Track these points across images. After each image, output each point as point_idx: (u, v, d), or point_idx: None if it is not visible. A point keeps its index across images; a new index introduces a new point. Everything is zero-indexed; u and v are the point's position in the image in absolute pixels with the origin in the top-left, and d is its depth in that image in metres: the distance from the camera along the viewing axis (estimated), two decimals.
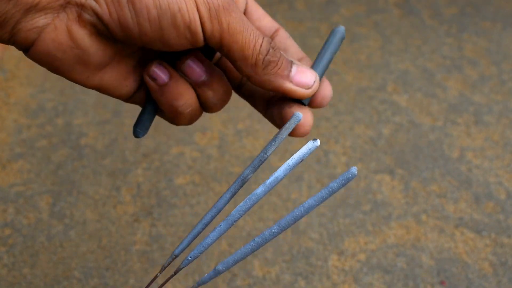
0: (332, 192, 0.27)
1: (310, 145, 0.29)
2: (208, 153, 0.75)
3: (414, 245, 0.64)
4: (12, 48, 0.95)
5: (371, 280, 0.60)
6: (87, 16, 0.24)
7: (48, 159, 0.73)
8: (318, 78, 0.29)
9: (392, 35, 1.04)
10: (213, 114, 0.82)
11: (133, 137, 0.78)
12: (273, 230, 0.28)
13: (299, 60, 0.31)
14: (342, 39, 0.30)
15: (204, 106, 0.30)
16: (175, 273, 0.28)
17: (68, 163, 0.73)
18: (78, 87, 0.87)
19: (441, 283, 0.60)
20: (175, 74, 0.28)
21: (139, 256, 0.61)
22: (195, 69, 0.28)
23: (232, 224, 0.28)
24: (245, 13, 0.31)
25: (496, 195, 0.70)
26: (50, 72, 0.90)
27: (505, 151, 0.77)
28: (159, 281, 0.55)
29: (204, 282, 0.28)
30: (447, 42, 1.02)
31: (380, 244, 0.64)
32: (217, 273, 0.28)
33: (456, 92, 0.89)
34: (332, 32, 0.31)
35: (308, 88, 0.28)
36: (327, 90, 0.30)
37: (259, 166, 0.29)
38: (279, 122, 0.31)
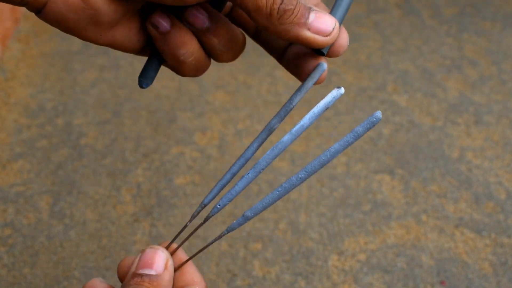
0: (357, 137, 0.27)
1: (334, 93, 0.28)
2: (208, 153, 0.75)
3: (414, 245, 0.64)
4: (12, 48, 0.95)
5: (371, 280, 0.60)
6: None
7: (48, 159, 0.73)
8: (337, 23, 0.28)
9: (392, 35, 1.04)
10: (213, 114, 0.82)
11: (133, 137, 0.78)
12: (300, 176, 0.27)
13: (315, 5, 0.29)
14: None
15: (212, 54, 0.30)
16: (205, 221, 0.28)
17: (68, 163, 0.73)
18: (78, 87, 0.87)
19: (441, 283, 0.60)
20: (177, 22, 0.28)
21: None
22: (198, 16, 0.28)
23: (260, 172, 0.27)
24: None
25: (496, 195, 0.70)
26: (50, 72, 0.91)
27: (505, 151, 0.77)
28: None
29: (233, 229, 0.28)
30: (447, 42, 1.02)
31: (380, 244, 0.64)
32: (245, 219, 0.27)
33: (456, 92, 0.89)
34: None
35: (327, 35, 0.27)
36: (343, 38, 0.29)
37: (285, 116, 0.28)
38: (296, 70, 0.30)
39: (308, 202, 0.69)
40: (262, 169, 0.28)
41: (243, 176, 0.28)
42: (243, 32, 0.31)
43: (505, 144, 0.79)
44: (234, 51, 0.30)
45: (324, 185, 0.71)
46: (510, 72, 0.94)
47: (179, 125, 0.80)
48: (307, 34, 0.27)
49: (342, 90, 0.28)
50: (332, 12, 0.29)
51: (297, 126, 0.28)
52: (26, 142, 0.76)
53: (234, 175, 0.28)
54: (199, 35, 0.29)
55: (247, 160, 0.28)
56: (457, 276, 0.61)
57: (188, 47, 0.28)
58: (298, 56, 0.30)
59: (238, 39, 0.30)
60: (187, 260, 0.28)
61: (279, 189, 0.27)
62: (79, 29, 0.26)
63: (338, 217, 0.67)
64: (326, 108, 0.28)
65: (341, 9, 0.29)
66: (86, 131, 0.78)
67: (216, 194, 0.29)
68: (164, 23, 0.27)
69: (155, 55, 0.30)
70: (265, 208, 0.27)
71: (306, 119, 0.28)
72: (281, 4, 0.26)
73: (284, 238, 0.64)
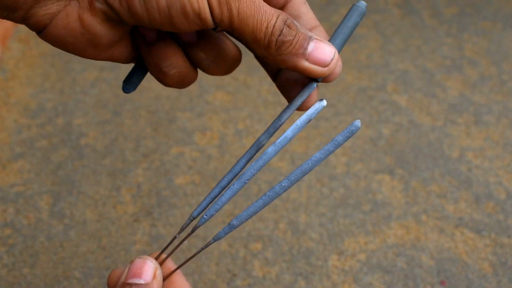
0: (337, 145, 0.27)
1: (317, 105, 0.28)
2: (208, 153, 0.75)
3: (414, 245, 0.64)
4: (12, 48, 0.95)
5: (371, 280, 0.60)
6: (98, 4, 0.25)
7: (48, 159, 0.73)
8: (337, 53, 0.27)
9: (392, 35, 1.04)
10: (213, 114, 0.82)
11: (133, 137, 0.78)
12: (283, 184, 0.28)
13: (312, 29, 0.29)
14: (363, 14, 0.29)
15: (200, 68, 0.30)
16: (192, 231, 0.29)
17: (68, 163, 0.73)
18: (78, 87, 0.87)
19: (441, 283, 0.60)
20: (164, 34, 0.28)
21: (139, 256, 0.61)
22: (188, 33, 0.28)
23: (245, 183, 0.28)
24: None
25: (496, 195, 0.70)
26: (50, 72, 0.91)
27: (505, 151, 0.77)
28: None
29: (219, 238, 0.29)
30: (447, 42, 1.02)
31: (380, 244, 0.64)
32: (231, 227, 0.28)
33: (456, 92, 0.89)
34: (352, 7, 0.29)
35: (326, 66, 0.27)
36: (338, 66, 0.29)
37: (274, 133, 0.29)
38: (286, 94, 0.30)
39: (308, 202, 0.69)
40: (247, 180, 0.28)
41: (228, 187, 0.28)
42: (237, 47, 0.30)
43: (505, 144, 0.79)
44: (223, 67, 0.30)
45: (324, 185, 0.71)
46: (510, 72, 0.94)
47: (179, 125, 0.80)
48: (305, 64, 0.27)
49: (324, 102, 0.28)
50: (332, 39, 0.29)
51: (281, 138, 0.28)
52: (26, 142, 0.76)
53: (223, 188, 0.29)
54: (186, 48, 0.29)
55: (235, 175, 0.29)
56: (457, 276, 0.61)
57: (172, 59, 0.28)
58: (289, 81, 0.30)
59: (228, 55, 0.29)
60: (175, 270, 0.29)
61: (263, 197, 0.28)
62: (78, 50, 0.26)
63: (338, 217, 0.67)
64: (309, 120, 0.28)
65: (341, 37, 0.29)
66: (86, 131, 0.78)
67: (205, 207, 0.29)
68: (151, 33, 0.27)
69: (141, 64, 0.30)
70: (250, 216, 0.28)
71: (289, 131, 0.28)
72: (279, 35, 0.25)
73: (284, 238, 0.64)
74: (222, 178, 0.29)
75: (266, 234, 0.65)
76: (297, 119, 0.29)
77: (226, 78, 0.89)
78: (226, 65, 0.30)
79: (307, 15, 0.30)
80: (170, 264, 0.30)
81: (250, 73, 0.91)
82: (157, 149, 0.76)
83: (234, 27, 0.25)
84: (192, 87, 0.88)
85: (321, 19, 1.07)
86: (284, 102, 0.85)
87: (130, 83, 0.31)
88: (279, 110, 0.84)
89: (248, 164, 0.29)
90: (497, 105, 0.86)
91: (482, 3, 1.14)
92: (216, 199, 0.29)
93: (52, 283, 0.58)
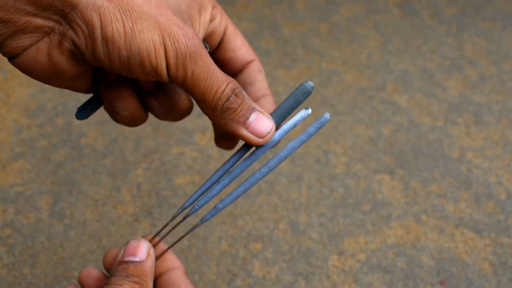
0: (310, 135, 0.31)
1: (302, 113, 0.31)
2: (208, 153, 0.75)
3: (414, 245, 0.64)
4: None
5: (371, 280, 0.60)
6: (66, 44, 0.26)
7: (48, 159, 0.73)
8: (274, 129, 0.30)
9: (392, 35, 1.04)
10: None
11: (133, 137, 0.78)
12: (262, 170, 0.31)
13: (262, 97, 0.32)
14: (308, 94, 0.32)
15: (152, 113, 0.32)
16: (184, 219, 0.32)
17: (68, 163, 0.73)
18: None
19: (441, 283, 0.60)
20: (124, 77, 0.30)
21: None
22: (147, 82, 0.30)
23: (234, 179, 0.31)
24: (221, 42, 0.32)
25: (496, 195, 0.70)
26: None
27: (505, 151, 0.78)
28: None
29: (206, 219, 0.32)
30: (447, 42, 1.02)
31: (380, 244, 0.64)
32: (217, 210, 0.31)
33: (456, 92, 0.89)
34: (299, 86, 0.32)
35: (262, 137, 0.30)
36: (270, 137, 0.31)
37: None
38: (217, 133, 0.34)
39: (308, 202, 0.69)
40: (236, 176, 0.31)
41: (219, 182, 0.31)
42: (190, 99, 0.32)
43: (505, 144, 0.79)
44: (174, 117, 0.32)
45: (324, 185, 0.71)
46: (510, 72, 0.94)
47: (179, 125, 0.80)
48: (243, 132, 0.29)
49: (309, 110, 0.31)
50: (273, 113, 0.32)
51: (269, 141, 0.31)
52: (26, 142, 0.76)
53: (213, 183, 0.32)
54: (142, 95, 0.31)
55: (225, 172, 0.31)
56: (457, 276, 0.61)
57: (125, 102, 0.30)
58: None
59: (180, 107, 0.32)
60: (167, 249, 0.32)
61: (245, 183, 0.31)
62: (43, 79, 0.28)
63: (338, 217, 0.67)
64: (295, 126, 0.31)
65: (281, 112, 0.31)
66: (86, 131, 0.78)
67: (196, 199, 0.32)
68: (111, 75, 0.30)
69: (98, 97, 0.32)
70: (233, 200, 0.31)
71: (276, 135, 0.31)
72: (225, 102, 0.28)
73: (284, 238, 0.64)
74: (213, 173, 0.32)
75: (266, 234, 0.65)
76: (284, 124, 0.31)
77: None
78: (177, 115, 0.32)
79: (261, 83, 0.33)
80: (163, 246, 0.34)
81: None
82: (157, 149, 0.76)
83: (186, 86, 0.27)
84: None
85: (321, 19, 1.07)
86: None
87: (84, 111, 0.32)
88: None
89: (237, 163, 0.31)
90: (497, 105, 0.86)
91: (482, 3, 1.14)
92: (207, 191, 0.32)
93: (52, 283, 0.58)
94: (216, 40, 0.32)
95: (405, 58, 0.97)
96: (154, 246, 0.32)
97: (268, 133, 0.30)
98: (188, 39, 0.26)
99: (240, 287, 0.59)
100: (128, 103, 0.30)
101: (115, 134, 0.78)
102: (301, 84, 0.32)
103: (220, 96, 0.27)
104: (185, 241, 0.63)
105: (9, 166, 0.72)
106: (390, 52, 0.99)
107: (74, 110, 0.82)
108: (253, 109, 0.29)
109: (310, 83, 0.32)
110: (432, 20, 1.09)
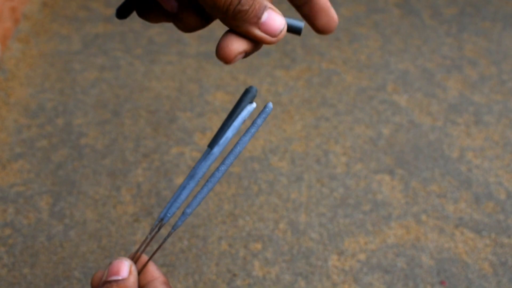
0: (258, 127, 0.32)
1: (248, 108, 0.32)
2: None
3: (414, 245, 0.64)
4: (12, 48, 0.95)
5: (371, 280, 0.60)
6: None
7: (48, 159, 0.73)
8: (286, 26, 0.30)
9: (392, 35, 1.04)
10: (213, 114, 0.82)
11: (133, 137, 0.78)
12: (221, 169, 0.32)
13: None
14: (253, 97, 0.33)
15: (178, 28, 0.33)
16: (158, 229, 0.33)
17: (68, 163, 0.73)
18: (78, 87, 0.87)
19: (441, 283, 0.60)
20: None
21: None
22: (170, 3, 0.29)
23: (197, 182, 0.33)
24: None
25: (496, 195, 0.70)
26: (50, 72, 0.91)
27: (505, 151, 0.77)
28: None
29: (178, 226, 0.33)
30: (447, 42, 1.02)
31: (380, 244, 0.64)
32: (186, 215, 0.33)
33: (456, 92, 0.89)
34: (244, 91, 0.34)
35: (275, 36, 0.29)
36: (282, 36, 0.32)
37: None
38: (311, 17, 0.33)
39: (308, 202, 0.69)
40: (199, 178, 0.33)
41: (184, 186, 0.33)
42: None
43: (505, 144, 0.79)
44: (197, 29, 0.33)
45: (324, 185, 0.71)
46: (510, 72, 0.94)
47: (179, 125, 0.80)
48: (257, 32, 0.29)
49: (254, 104, 0.32)
50: (226, 122, 0.33)
51: (222, 139, 0.33)
52: (26, 142, 0.76)
53: (182, 190, 0.34)
54: (169, 16, 0.31)
55: (191, 177, 0.33)
56: (457, 276, 0.61)
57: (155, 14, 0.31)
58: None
59: (201, 27, 0.32)
60: (146, 262, 0.34)
61: (208, 184, 0.32)
62: None
63: (338, 217, 0.67)
64: (243, 121, 0.32)
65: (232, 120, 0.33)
66: (86, 131, 0.78)
67: (169, 208, 0.34)
68: None
69: None
70: (199, 202, 0.32)
71: (229, 132, 0.32)
72: (237, 5, 0.28)
73: (284, 238, 0.64)
74: (182, 182, 0.34)
75: (266, 234, 0.65)
76: (234, 122, 0.33)
77: (226, 78, 0.89)
78: (198, 29, 0.33)
79: None
80: (144, 259, 0.36)
81: (250, 73, 0.91)
82: (157, 149, 0.76)
83: None
84: (192, 87, 0.88)
85: None
86: (284, 101, 0.85)
87: (123, 10, 0.32)
88: (279, 110, 0.84)
89: (198, 165, 0.33)
90: (497, 105, 0.86)
91: (482, 3, 1.14)
92: (176, 199, 0.34)
93: (52, 283, 0.58)
94: None
95: (405, 58, 0.97)
96: (136, 261, 0.35)
97: (281, 31, 0.29)
98: None
99: (240, 287, 0.59)
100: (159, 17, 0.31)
101: (115, 134, 0.78)
102: (246, 89, 0.33)
103: (231, 1, 0.27)
104: (185, 241, 0.63)
105: (9, 166, 0.72)
106: (390, 52, 0.99)
107: (74, 110, 0.82)
108: (265, 8, 0.29)
109: (254, 87, 0.33)
110: (432, 20, 1.09)
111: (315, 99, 0.86)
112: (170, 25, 1.03)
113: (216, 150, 0.33)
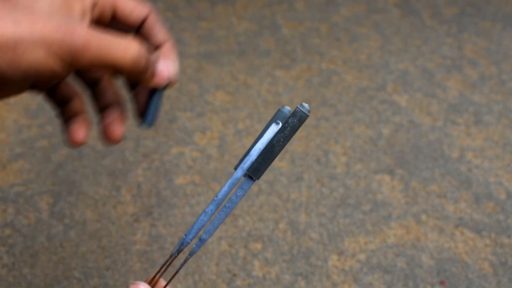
0: (278, 154, 0.31)
1: (274, 128, 0.32)
2: (208, 153, 0.75)
3: (414, 245, 0.64)
4: None
5: (371, 280, 0.60)
6: None
7: (48, 159, 0.73)
8: (177, 67, 0.33)
9: (392, 35, 1.04)
10: (213, 114, 0.82)
11: (133, 137, 0.78)
12: (238, 194, 0.32)
13: (162, 44, 0.35)
14: (285, 119, 0.32)
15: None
16: (178, 253, 0.33)
17: (68, 163, 0.73)
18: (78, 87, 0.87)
19: (441, 283, 0.60)
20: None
21: (139, 256, 0.61)
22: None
23: (220, 205, 0.32)
24: (115, 10, 0.33)
25: (496, 195, 0.70)
26: None
27: (505, 151, 0.77)
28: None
29: (194, 252, 0.33)
30: (447, 42, 1.02)
31: (380, 244, 0.64)
32: (202, 241, 0.32)
33: (456, 92, 0.89)
34: (277, 112, 0.33)
35: (167, 79, 0.32)
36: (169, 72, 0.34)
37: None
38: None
39: (308, 202, 0.69)
40: (222, 201, 0.32)
41: (205, 212, 0.32)
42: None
43: (505, 144, 0.79)
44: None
45: (324, 185, 0.71)
46: (510, 72, 0.94)
47: (179, 125, 0.80)
48: (153, 83, 0.32)
49: (280, 125, 0.32)
50: (259, 140, 0.33)
51: (246, 161, 0.32)
52: (26, 142, 0.76)
53: (207, 215, 0.33)
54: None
55: (217, 203, 0.33)
56: (457, 276, 0.61)
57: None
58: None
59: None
60: (165, 286, 0.34)
61: (224, 209, 0.32)
62: None
63: (338, 217, 0.67)
64: (268, 141, 0.32)
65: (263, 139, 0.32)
66: None
67: (194, 233, 0.34)
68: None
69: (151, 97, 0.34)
70: (216, 228, 0.32)
71: (253, 153, 0.32)
72: (141, 71, 0.30)
73: (284, 238, 0.64)
74: (208, 205, 0.33)
75: (266, 234, 0.65)
76: (258, 143, 0.32)
77: (226, 78, 0.89)
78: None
79: (159, 33, 0.35)
80: (163, 283, 0.35)
81: (250, 73, 0.91)
82: (157, 149, 0.76)
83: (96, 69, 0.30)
84: (192, 87, 0.88)
85: (321, 19, 1.07)
86: (284, 101, 0.85)
87: (149, 117, 0.34)
88: None
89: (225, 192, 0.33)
90: (497, 105, 0.86)
91: (482, 3, 1.14)
92: (196, 226, 0.33)
93: (52, 283, 0.58)
94: (108, 11, 0.33)
95: (405, 58, 0.97)
96: (154, 285, 0.35)
97: (173, 75, 0.32)
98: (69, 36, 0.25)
99: (240, 287, 0.59)
100: None
101: None
102: (278, 110, 0.33)
103: (132, 67, 0.29)
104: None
105: (9, 166, 0.72)
106: (390, 52, 0.99)
107: None
108: (156, 61, 0.32)
109: (287, 108, 0.32)
110: (432, 20, 1.09)
111: (315, 99, 0.86)
112: (169, 25, 1.03)
113: (240, 172, 0.32)
